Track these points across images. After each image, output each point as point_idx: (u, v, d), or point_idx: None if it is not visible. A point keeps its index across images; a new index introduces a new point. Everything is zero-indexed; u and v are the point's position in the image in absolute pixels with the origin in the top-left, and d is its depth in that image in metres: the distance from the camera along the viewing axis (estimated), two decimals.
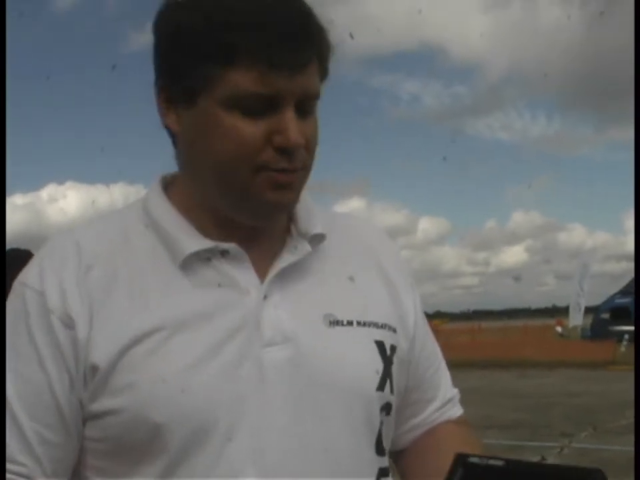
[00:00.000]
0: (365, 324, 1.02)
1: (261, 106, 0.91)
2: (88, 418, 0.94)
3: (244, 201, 0.95)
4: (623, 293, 39.54)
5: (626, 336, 29.79)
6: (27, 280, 0.96)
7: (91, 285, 0.94)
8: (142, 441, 0.90)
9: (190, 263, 0.96)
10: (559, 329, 40.80)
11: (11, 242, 2.16)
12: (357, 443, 0.98)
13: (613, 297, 39.79)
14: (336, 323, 0.99)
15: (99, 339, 0.91)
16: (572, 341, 33.63)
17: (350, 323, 1.00)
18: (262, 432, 0.91)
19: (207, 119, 0.93)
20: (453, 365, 1.18)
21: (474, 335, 39.10)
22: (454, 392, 1.20)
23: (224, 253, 0.97)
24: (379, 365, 1.01)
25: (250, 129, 0.91)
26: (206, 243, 0.97)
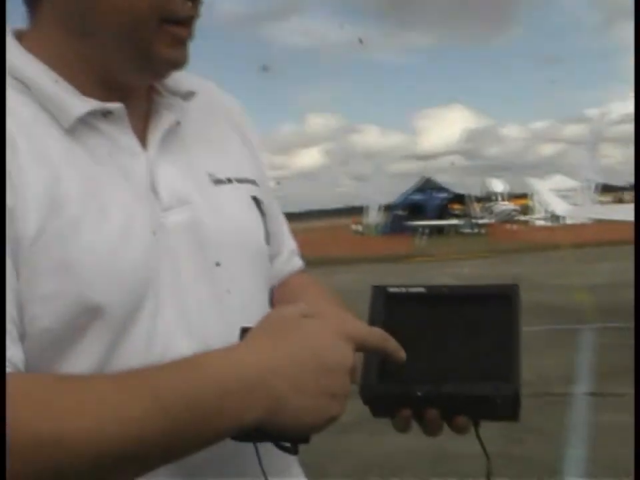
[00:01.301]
0: (240, 180, 1.04)
1: None
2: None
3: (143, 59, 0.93)
4: (416, 190, 41.86)
5: (421, 230, 31.61)
6: None
7: None
8: (80, 324, 0.84)
9: (75, 127, 0.90)
10: (356, 226, 42.43)
11: None
12: (263, 299, 1.04)
13: (407, 194, 41.98)
14: (218, 181, 1.01)
15: (21, 208, 0.82)
16: (371, 237, 35.14)
17: (229, 181, 1.02)
18: (183, 300, 0.91)
19: None
20: None
21: None
22: (294, 243, 1.25)
23: (106, 115, 0.92)
24: (259, 219, 1.05)
25: None
26: (91, 104, 0.91)
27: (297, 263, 1.24)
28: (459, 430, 0.86)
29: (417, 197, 41.39)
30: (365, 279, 17.56)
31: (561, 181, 35.36)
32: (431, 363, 0.83)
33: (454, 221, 37.08)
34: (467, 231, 33.66)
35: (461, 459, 4.61)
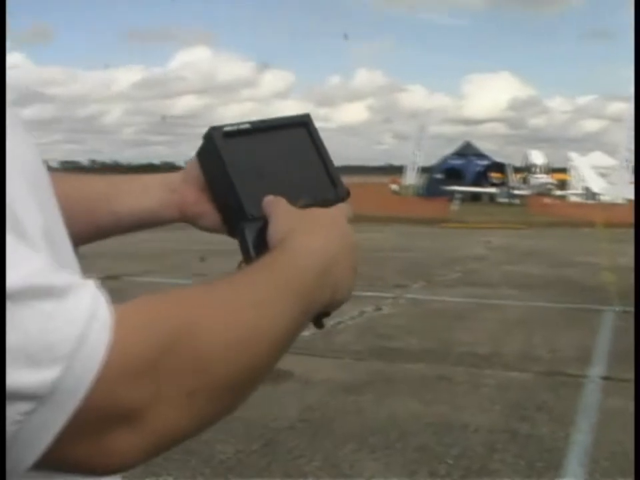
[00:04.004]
0: None
1: None
2: None
3: None
4: (456, 154, 41.27)
5: (458, 195, 31.21)
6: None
7: None
8: None
9: None
10: (394, 186, 42.06)
11: None
12: None
13: (447, 158, 41.42)
14: None
15: None
16: (407, 198, 34.74)
17: None
18: None
19: None
20: None
21: None
22: None
23: None
24: None
25: None
26: None
27: None
28: None
29: (457, 161, 40.79)
30: (395, 239, 17.53)
31: (600, 158, 34.62)
32: (276, 187, 0.89)
33: (491, 189, 36.60)
34: (503, 200, 33.21)
35: (464, 430, 4.64)
